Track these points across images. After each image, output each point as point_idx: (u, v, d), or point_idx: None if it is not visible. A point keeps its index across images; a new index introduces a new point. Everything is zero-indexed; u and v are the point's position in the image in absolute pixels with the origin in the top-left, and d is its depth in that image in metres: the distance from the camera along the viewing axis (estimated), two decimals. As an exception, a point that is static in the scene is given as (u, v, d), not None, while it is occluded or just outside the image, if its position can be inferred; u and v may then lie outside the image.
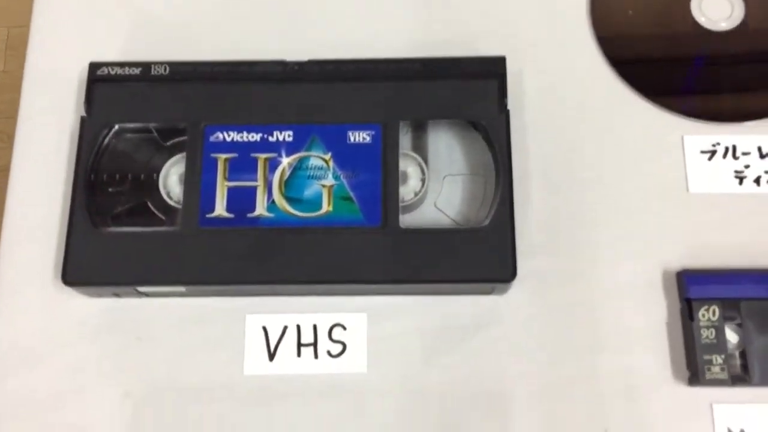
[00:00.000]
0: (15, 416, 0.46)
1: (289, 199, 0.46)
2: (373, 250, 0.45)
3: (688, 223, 0.48)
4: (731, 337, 0.45)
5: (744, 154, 0.49)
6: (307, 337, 0.47)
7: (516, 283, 0.46)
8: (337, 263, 0.45)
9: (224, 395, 0.46)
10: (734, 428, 0.45)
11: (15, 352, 0.47)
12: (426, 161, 0.48)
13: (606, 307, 0.47)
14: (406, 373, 0.46)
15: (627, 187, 0.49)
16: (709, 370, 0.44)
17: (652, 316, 0.47)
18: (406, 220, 0.47)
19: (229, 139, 0.47)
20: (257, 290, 0.47)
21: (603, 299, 0.47)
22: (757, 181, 0.48)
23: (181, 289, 0.46)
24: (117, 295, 0.47)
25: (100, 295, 0.47)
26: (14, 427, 0.46)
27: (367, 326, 0.47)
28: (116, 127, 0.48)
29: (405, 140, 0.49)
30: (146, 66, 0.48)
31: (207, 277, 0.45)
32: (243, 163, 0.47)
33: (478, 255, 0.45)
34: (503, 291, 0.47)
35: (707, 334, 0.45)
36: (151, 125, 0.48)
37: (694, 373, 0.44)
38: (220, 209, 0.46)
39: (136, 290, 0.46)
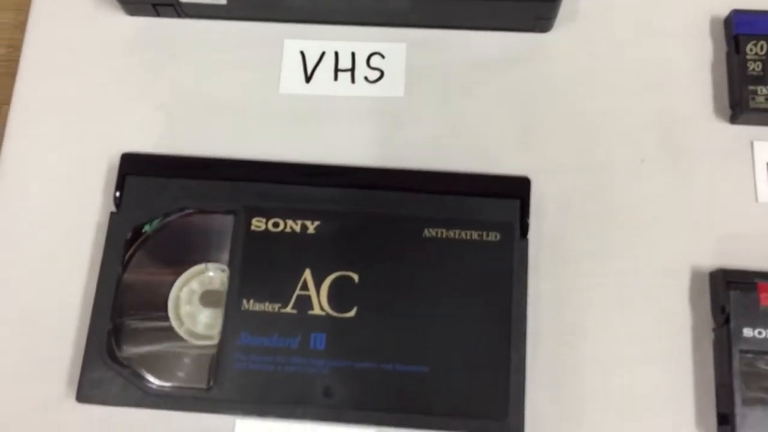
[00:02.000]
0: (43, 120, 0.46)
1: None
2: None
3: (739, -27, 0.47)
4: (777, 73, 0.44)
5: None
6: (345, 63, 0.47)
7: (559, 20, 0.46)
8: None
9: (259, 112, 0.46)
10: (774, 164, 0.44)
11: (50, 60, 0.47)
12: None
13: (649, 47, 0.46)
14: (442, 100, 0.46)
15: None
16: (753, 99, 0.43)
17: (696, 59, 0.46)
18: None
19: None
20: (296, 14, 0.47)
21: (647, 39, 0.46)
22: (814, -65, 0.47)
23: (222, 0, 0.46)
24: (156, 11, 0.47)
25: (139, 11, 0.47)
26: (45, 129, 0.46)
27: (406, 56, 0.47)
28: None
29: None
30: None
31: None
32: None
33: (525, -26, 0.44)
34: (546, 27, 0.46)
35: (753, 67, 0.44)
36: None
37: (738, 103, 0.43)
38: None
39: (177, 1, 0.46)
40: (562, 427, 0.40)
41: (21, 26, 0.51)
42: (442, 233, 0.40)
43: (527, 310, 0.40)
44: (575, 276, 0.43)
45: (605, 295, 0.42)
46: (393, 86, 0.46)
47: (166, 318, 0.40)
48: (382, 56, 0.47)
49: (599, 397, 0.40)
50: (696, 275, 0.42)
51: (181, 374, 0.39)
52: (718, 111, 0.45)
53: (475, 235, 0.40)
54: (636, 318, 0.42)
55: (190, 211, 0.41)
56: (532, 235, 0.42)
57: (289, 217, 0.40)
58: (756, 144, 0.44)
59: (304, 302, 0.39)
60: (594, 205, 0.44)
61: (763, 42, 0.44)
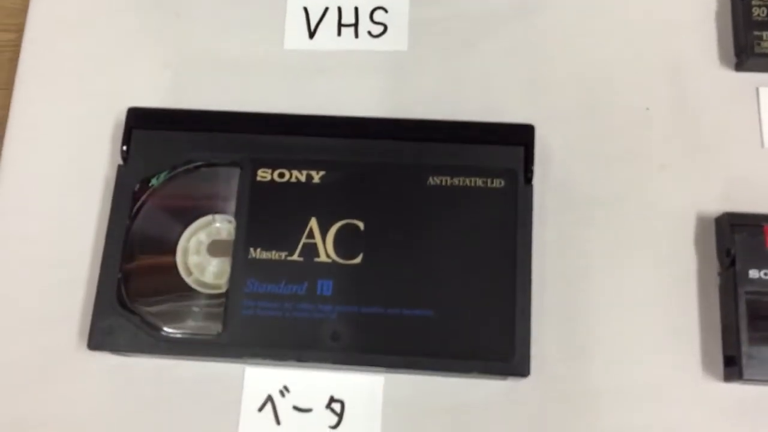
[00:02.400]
0: (51, 79, 0.46)
1: None
2: None
3: None
4: (782, 18, 0.44)
5: None
6: (348, 18, 0.47)
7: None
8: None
9: (264, 68, 0.46)
10: (780, 108, 0.44)
11: (57, 19, 0.47)
12: None
13: (654, -5, 0.46)
14: (446, 53, 0.46)
15: None
16: (758, 44, 0.43)
17: (701, 7, 0.46)
18: None
19: None
20: (300, -30, 0.47)
21: (651, -13, 0.47)
22: None
23: (225, -42, 0.46)
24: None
25: (143, -31, 0.48)
26: (54, 88, 0.46)
27: (409, 10, 0.47)
28: None
29: None
30: None
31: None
32: None
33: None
34: (549, -21, 0.46)
35: (758, 13, 0.44)
36: None
37: (743, 50, 0.43)
38: None
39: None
40: (568, 368, 0.40)
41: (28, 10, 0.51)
42: (446, 181, 0.40)
43: (533, 254, 0.40)
44: (582, 222, 0.43)
45: (611, 241, 0.42)
46: (397, 40, 0.46)
47: (175, 268, 0.40)
48: (386, 10, 0.47)
49: (605, 339, 0.41)
50: (702, 221, 0.42)
51: (190, 322, 0.40)
52: (723, 58, 0.45)
53: (479, 182, 0.40)
54: (642, 263, 0.42)
55: (197, 163, 0.41)
56: (538, 183, 0.42)
57: (295, 168, 0.41)
58: (762, 90, 0.44)
59: (311, 250, 0.39)
60: (600, 153, 0.44)
61: (767, -13, 0.44)
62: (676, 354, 0.40)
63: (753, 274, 0.39)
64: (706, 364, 0.40)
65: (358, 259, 0.39)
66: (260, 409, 0.40)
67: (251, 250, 0.40)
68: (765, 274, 0.39)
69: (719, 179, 0.43)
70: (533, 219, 0.41)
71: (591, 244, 0.42)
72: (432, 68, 0.46)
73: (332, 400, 0.41)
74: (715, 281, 0.41)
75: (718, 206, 0.43)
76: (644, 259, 0.42)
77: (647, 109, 0.44)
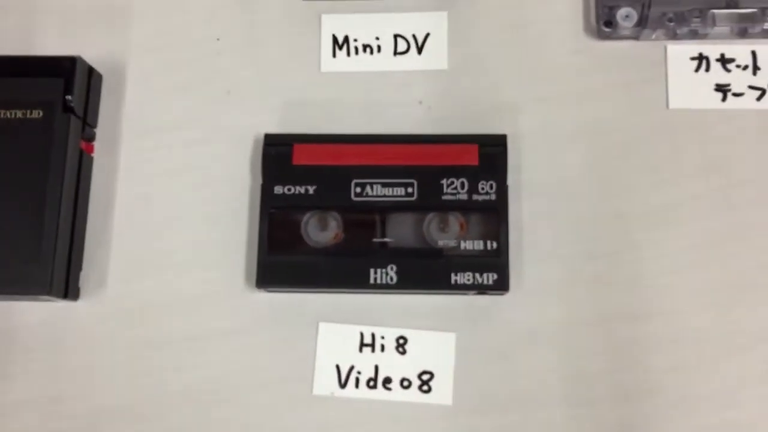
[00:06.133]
0: None
1: None
2: None
3: None
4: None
5: None
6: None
7: None
8: None
9: None
10: (339, 35, 0.46)
11: None
12: None
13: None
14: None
15: None
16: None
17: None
18: None
19: None
20: None
21: None
22: None
23: None
24: None
25: None
26: None
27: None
28: None
29: None
30: None
31: None
32: None
33: None
34: None
35: (313, -59, 0.46)
36: None
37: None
38: None
39: None
40: (123, 287, 0.43)
41: None
42: (-12, 114, 0.42)
43: (98, 181, 0.44)
44: (147, 149, 0.45)
45: (175, 165, 0.45)
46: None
47: None
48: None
49: (160, 258, 0.44)
50: (260, 143, 0.45)
51: None
52: (296, -13, 0.47)
53: (19, 113, 0.42)
54: (200, 184, 0.45)
55: None
56: (109, 112, 0.45)
57: None
58: (323, 17, 0.47)
59: None
60: (172, 82, 0.46)
61: None
62: (224, 267, 0.44)
63: (278, 190, 0.42)
64: (249, 276, 0.43)
65: None
66: None
67: None
68: (288, 189, 0.42)
69: (281, 103, 0.46)
70: (68, 143, 0.42)
71: (155, 169, 0.45)
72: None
73: None
74: (267, 200, 0.45)
75: (278, 128, 0.45)
76: (202, 181, 0.45)
77: (218, 39, 0.47)
